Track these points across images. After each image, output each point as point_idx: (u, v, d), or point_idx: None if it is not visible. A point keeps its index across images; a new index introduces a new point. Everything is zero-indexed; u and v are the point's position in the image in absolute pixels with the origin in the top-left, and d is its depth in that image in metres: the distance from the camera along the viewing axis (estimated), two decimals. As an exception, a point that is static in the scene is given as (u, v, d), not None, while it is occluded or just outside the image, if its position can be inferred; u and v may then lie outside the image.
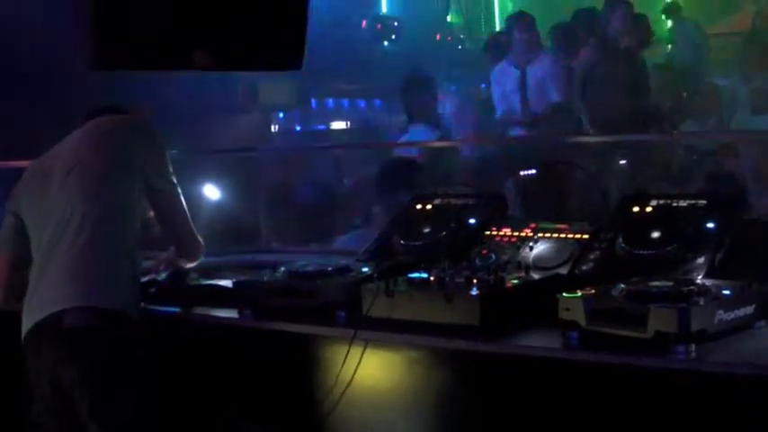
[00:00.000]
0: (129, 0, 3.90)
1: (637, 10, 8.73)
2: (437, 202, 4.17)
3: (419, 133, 8.54)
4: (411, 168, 5.67)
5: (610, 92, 8.01)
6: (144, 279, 4.12)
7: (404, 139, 8.52)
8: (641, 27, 8.87)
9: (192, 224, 4.16)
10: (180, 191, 4.10)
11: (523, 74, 8.43)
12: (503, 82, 8.63)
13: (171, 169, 4.08)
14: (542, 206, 5.48)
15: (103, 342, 3.76)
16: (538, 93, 8.38)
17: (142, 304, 3.99)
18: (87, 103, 4.32)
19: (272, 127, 12.73)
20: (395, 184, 5.33)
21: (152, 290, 4.16)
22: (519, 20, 8.86)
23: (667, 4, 12.89)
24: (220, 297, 4.00)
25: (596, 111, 7.99)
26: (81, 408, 3.73)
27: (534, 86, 8.37)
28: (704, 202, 3.58)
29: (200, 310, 4.01)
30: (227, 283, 4.07)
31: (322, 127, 14.08)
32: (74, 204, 3.88)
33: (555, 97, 8.35)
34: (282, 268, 3.84)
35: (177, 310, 4.06)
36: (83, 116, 4.22)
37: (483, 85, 10.28)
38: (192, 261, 4.25)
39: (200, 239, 4.20)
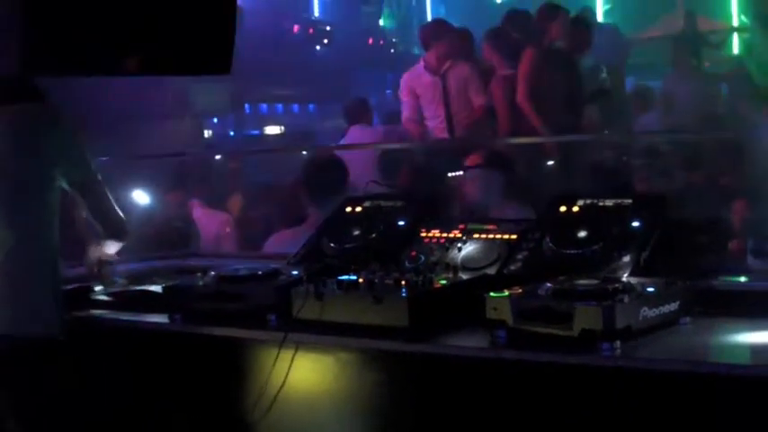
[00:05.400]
0: (58, 5, 3.86)
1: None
2: (367, 204, 4.18)
3: (357, 132, 8.65)
4: (340, 168, 5.70)
5: (552, 97, 8.08)
6: (77, 286, 4.09)
7: (343, 140, 8.61)
8: (581, 33, 8.95)
9: (115, 203, 4.09)
10: (99, 174, 4.00)
11: (443, 80, 8.44)
12: (416, 91, 8.64)
13: (88, 155, 3.97)
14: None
15: (28, 369, 3.72)
16: (459, 97, 8.40)
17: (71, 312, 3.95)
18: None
19: (206, 132, 12.68)
20: (326, 184, 5.37)
21: (80, 297, 4.12)
22: (436, 27, 8.87)
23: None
24: (150, 302, 3.97)
25: (545, 114, 8.05)
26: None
27: (455, 92, 8.38)
28: (630, 201, 3.62)
29: (130, 316, 3.98)
30: (157, 288, 4.05)
31: (256, 132, 14.06)
32: None
33: (476, 101, 8.37)
34: (212, 272, 3.84)
35: (107, 316, 4.03)
36: None
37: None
38: (121, 240, 4.17)
39: (125, 220, 4.14)
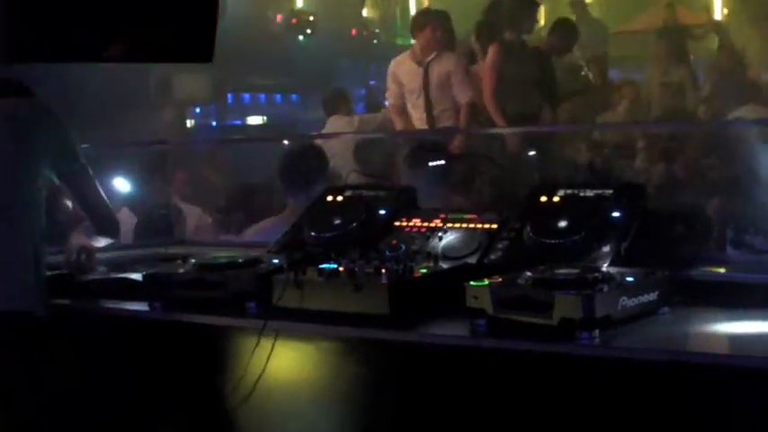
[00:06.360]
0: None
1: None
2: (348, 193, 4.18)
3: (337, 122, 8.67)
4: (319, 156, 5.70)
5: (519, 91, 8.10)
6: (57, 272, 4.08)
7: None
8: (567, 31, 8.98)
9: (107, 200, 4.11)
10: (89, 168, 4.02)
11: (426, 71, 8.42)
12: (400, 79, 8.63)
13: (77, 149, 3.99)
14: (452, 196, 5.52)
15: (8, 345, 3.72)
16: (441, 90, 8.37)
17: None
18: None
19: (188, 122, 12.67)
20: (305, 172, 5.37)
21: (61, 284, 4.11)
22: (431, 16, 8.87)
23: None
24: (130, 290, 3.96)
25: (507, 109, 8.07)
26: None
27: (437, 84, 8.35)
28: (610, 191, 3.63)
29: (110, 304, 3.97)
30: (137, 276, 4.04)
31: (238, 122, 14.03)
32: None
33: (459, 96, 8.32)
34: (192, 260, 3.83)
35: (87, 303, 4.02)
36: None
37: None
38: (112, 237, 4.20)
39: (116, 215, 4.17)
